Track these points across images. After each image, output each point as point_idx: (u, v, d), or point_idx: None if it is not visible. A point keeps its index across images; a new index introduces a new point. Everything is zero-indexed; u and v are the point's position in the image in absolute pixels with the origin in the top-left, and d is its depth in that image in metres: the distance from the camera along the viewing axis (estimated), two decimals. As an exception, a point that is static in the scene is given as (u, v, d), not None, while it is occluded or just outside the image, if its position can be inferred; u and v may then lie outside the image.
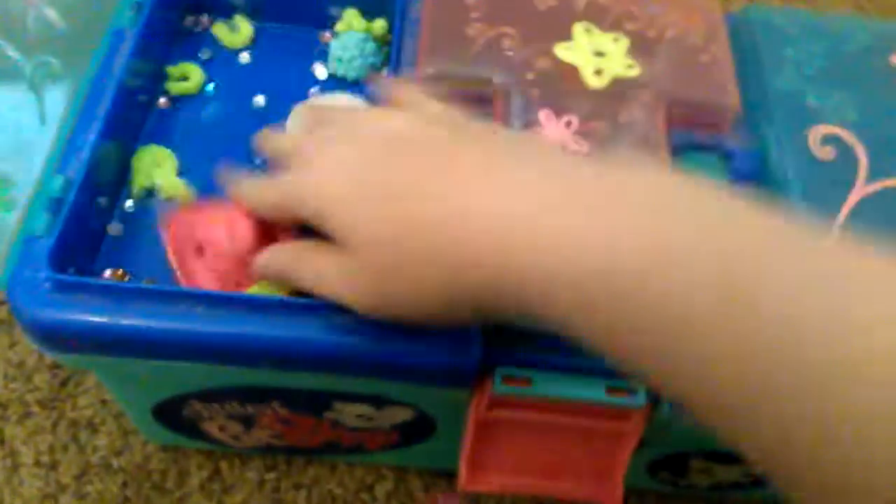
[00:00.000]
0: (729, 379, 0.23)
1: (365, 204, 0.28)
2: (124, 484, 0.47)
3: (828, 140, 0.38)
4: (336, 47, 0.43)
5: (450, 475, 0.48)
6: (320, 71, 0.44)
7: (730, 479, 0.46)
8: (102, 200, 0.37)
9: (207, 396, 0.40)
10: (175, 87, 0.42)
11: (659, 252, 0.23)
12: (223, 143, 0.41)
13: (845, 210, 0.37)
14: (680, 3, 0.42)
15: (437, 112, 0.33)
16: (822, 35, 0.42)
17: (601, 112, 0.38)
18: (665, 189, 0.26)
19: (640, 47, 0.41)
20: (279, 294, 0.35)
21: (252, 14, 0.45)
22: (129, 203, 0.39)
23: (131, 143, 0.40)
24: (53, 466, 0.47)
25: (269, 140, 0.37)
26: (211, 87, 0.43)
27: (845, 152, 0.38)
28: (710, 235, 0.24)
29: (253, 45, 0.45)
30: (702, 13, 0.42)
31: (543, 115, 0.38)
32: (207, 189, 0.39)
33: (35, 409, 0.48)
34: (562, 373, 0.35)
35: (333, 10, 0.44)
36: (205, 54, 0.44)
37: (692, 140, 0.40)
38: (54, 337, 0.33)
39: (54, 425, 0.48)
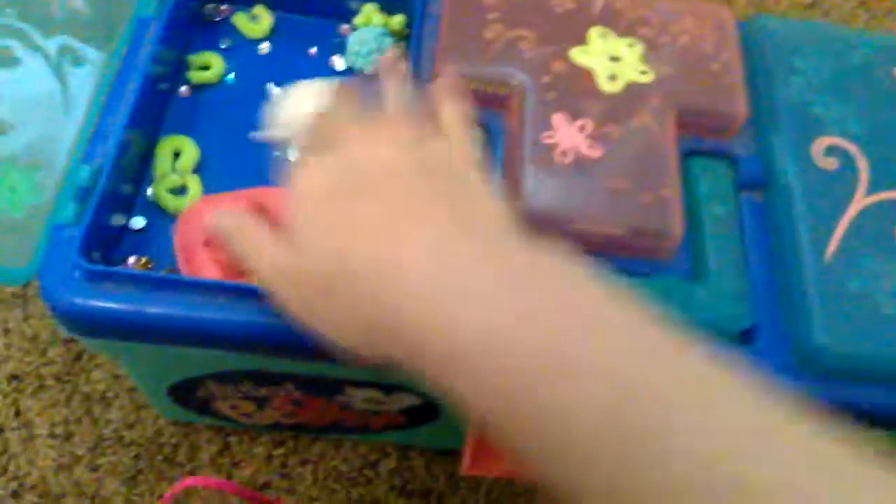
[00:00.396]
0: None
1: (327, 214, 0.30)
2: (136, 456, 0.48)
3: (831, 151, 0.40)
4: (354, 41, 0.44)
5: (452, 454, 0.50)
6: (338, 63, 0.44)
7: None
8: (127, 189, 0.38)
9: (224, 378, 0.41)
10: (196, 76, 0.43)
11: (554, 361, 0.25)
12: (243, 132, 0.42)
13: (845, 220, 0.38)
14: (693, 11, 0.43)
15: (422, 143, 0.33)
16: (829, 47, 0.43)
17: (614, 116, 0.39)
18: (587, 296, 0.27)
19: (653, 53, 0.41)
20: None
21: (272, 4, 0.46)
22: (150, 191, 0.39)
23: (154, 132, 0.41)
24: (68, 438, 0.48)
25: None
26: (231, 76, 0.43)
27: (848, 163, 0.40)
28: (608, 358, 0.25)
29: (272, 36, 0.45)
30: (714, 21, 0.43)
31: (557, 118, 0.39)
32: (226, 177, 0.40)
33: (50, 382, 0.50)
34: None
35: (353, 4, 0.45)
36: (225, 43, 0.45)
37: (700, 146, 0.41)
38: (85, 324, 0.34)
39: (68, 398, 0.49)
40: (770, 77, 0.42)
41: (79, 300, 0.33)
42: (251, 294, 0.34)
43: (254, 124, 0.42)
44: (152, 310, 0.33)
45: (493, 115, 0.40)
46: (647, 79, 0.41)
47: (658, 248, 0.38)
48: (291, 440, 0.50)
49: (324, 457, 0.50)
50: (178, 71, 0.43)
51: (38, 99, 0.40)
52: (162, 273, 0.36)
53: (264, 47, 0.45)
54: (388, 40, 0.44)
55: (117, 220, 0.38)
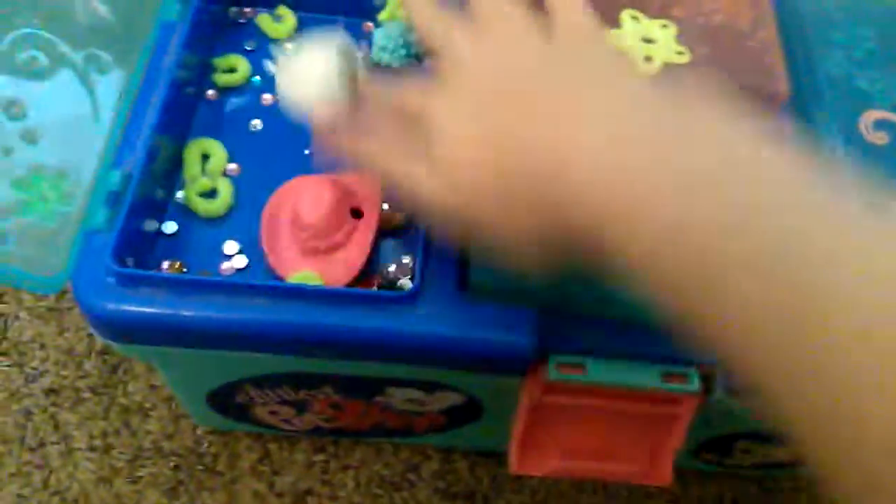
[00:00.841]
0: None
1: (486, 120, 0.29)
2: (176, 467, 0.48)
3: (880, 125, 0.38)
4: (379, 36, 0.43)
5: (494, 455, 0.49)
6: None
7: (772, 459, 0.47)
8: (158, 193, 0.38)
9: (262, 383, 0.41)
10: (222, 79, 0.42)
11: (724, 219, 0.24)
12: (271, 134, 0.41)
13: (896, 195, 0.36)
14: (727, -12, 0.42)
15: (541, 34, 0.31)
16: (870, 18, 0.42)
17: (651, 99, 0.38)
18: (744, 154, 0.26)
19: (689, 33, 0.40)
20: (320, 281, 0.36)
21: (295, 5, 0.45)
22: (180, 194, 0.39)
23: (183, 136, 0.40)
24: (107, 451, 0.48)
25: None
26: (257, 78, 0.43)
27: (897, 137, 0.38)
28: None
29: (296, 36, 0.45)
30: (749, -2, 0.42)
31: (593, 103, 0.38)
32: (255, 179, 0.40)
33: (87, 395, 0.49)
34: (616, 359, 0.35)
35: (376, 0, 0.44)
36: (250, 45, 0.44)
37: (741, 126, 0.40)
38: (120, 329, 0.34)
39: (106, 411, 0.49)
40: (810, 52, 0.41)
41: (112, 305, 0.33)
42: (289, 293, 0.34)
43: (281, 125, 0.41)
44: (187, 312, 0.33)
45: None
46: (683, 59, 0.39)
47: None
48: (332, 446, 0.49)
49: (365, 462, 0.49)
50: (203, 74, 0.43)
51: (65, 108, 0.40)
52: (202, 276, 0.36)
53: (289, 47, 0.44)
54: (414, 35, 0.43)
55: (149, 225, 0.37)
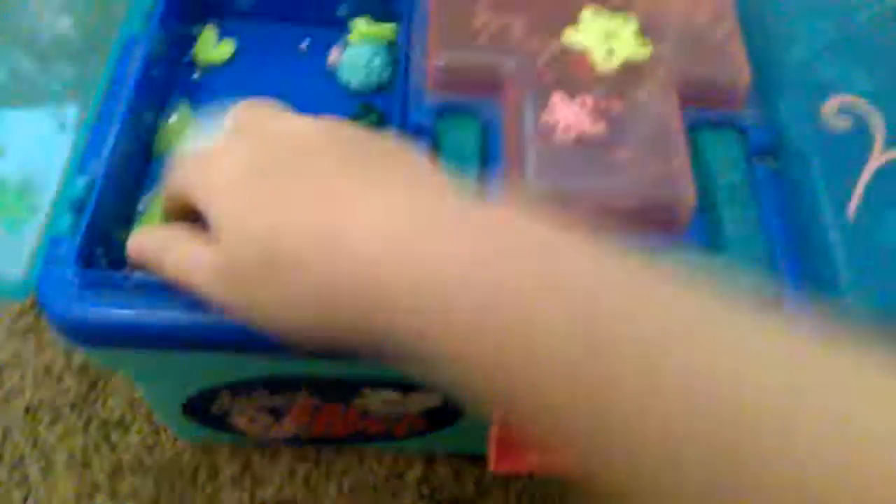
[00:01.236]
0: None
1: (248, 197, 0.27)
2: (157, 481, 0.47)
3: (843, 111, 0.38)
4: (348, 58, 0.44)
5: (479, 459, 0.49)
6: (334, 53, 0.45)
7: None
8: (125, 199, 0.38)
9: (237, 389, 0.40)
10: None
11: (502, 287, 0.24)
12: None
13: (865, 176, 0.37)
14: (687, -19, 0.42)
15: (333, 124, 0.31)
16: (830, 7, 0.42)
17: (614, 92, 0.38)
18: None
19: (650, 28, 0.41)
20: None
21: (262, 14, 0.46)
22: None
23: (148, 148, 0.41)
24: (87, 466, 0.48)
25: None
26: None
27: (861, 122, 0.38)
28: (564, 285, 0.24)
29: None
30: (709, -10, 0.42)
31: (557, 97, 0.38)
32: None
33: (66, 411, 0.49)
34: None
35: (341, 10, 0.45)
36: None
37: (706, 118, 0.40)
38: (85, 333, 0.34)
39: (85, 426, 0.49)
40: (771, 42, 0.41)
41: (77, 308, 0.33)
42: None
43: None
44: (152, 313, 0.33)
45: (490, 104, 0.40)
46: (644, 53, 0.40)
47: (672, 220, 0.37)
48: (314, 454, 0.49)
49: (348, 469, 0.49)
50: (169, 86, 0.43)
51: (29, 122, 0.40)
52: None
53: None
54: (379, 59, 0.44)
55: (119, 233, 0.37)
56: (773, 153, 0.39)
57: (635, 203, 0.36)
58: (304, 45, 0.45)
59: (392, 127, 0.39)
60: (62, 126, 0.41)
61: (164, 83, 0.43)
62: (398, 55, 0.43)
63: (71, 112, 0.41)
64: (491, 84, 0.40)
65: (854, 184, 0.36)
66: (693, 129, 0.40)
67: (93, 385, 0.50)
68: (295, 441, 0.48)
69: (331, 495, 0.48)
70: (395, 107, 0.39)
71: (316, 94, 0.44)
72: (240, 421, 0.44)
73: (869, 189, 0.36)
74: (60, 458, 0.48)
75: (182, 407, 0.43)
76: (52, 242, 0.34)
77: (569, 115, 0.37)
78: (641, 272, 0.24)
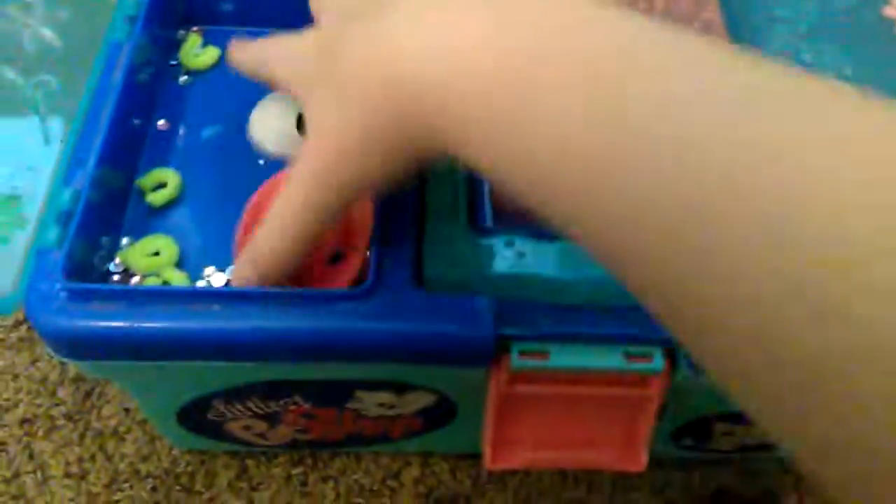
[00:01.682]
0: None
1: (331, 30, 0.30)
2: (153, 489, 0.47)
3: (825, 95, 0.38)
4: None
5: (475, 457, 0.49)
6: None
7: (754, 440, 0.47)
8: (110, 210, 0.38)
9: (229, 396, 0.40)
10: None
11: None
12: (222, 160, 0.41)
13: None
14: (668, -28, 0.42)
15: None
16: (811, -8, 0.42)
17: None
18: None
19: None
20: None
21: (242, 21, 0.45)
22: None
23: (134, 154, 0.40)
24: (83, 476, 0.47)
25: None
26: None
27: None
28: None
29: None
30: (690, -21, 0.42)
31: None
32: (211, 202, 0.40)
33: (61, 422, 0.49)
34: (579, 343, 0.35)
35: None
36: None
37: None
38: (74, 345, 0.33)
39: (81, 436, 0.49)
40: (754, 29, 0.41)
41: (64, 321, 0.32)
42: (243, 298, 0.34)
43: (232, 147, 0.41)
44: (140, 324, 0.33)
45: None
46: (627, 44, 0.40)
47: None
48: (310, 458, 0.49)
49: (345, 471, 0.49)
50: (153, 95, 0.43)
51: (16, 134, 0.40)
52: (153, 285, 0.36)
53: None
54: None
55: (107, 241, 0.37)
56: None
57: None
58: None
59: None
60: (48, 137, 0.41)
61: (150, 89, 0.43)
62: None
63: (56, 123, 0.41)
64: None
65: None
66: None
67: (88, 395, 0.50)
68: (292, 446, 0.48)
69: (328, 498, 0.48)
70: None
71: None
72: (235, 428, 0.44)
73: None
74: (56, 469, 0.48)
75: (176, 416, 0.43)
76: (38, 255, 0.34)
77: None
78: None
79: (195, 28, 0.46)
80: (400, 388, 0.40)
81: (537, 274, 0.36)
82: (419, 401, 0.42)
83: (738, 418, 0.44)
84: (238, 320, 0.33)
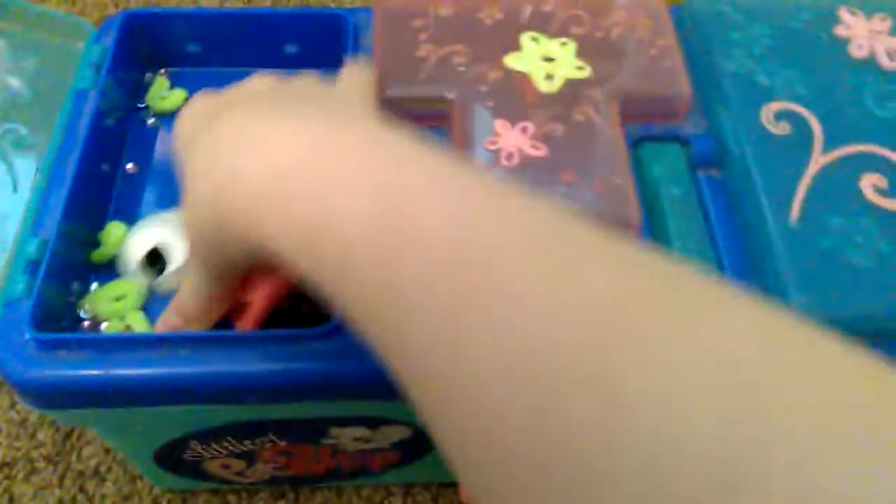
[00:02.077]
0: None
1: (194, 138, 0.31)
2: (136, 530, 0.47)
3: (781, 116, 0.39)
4: None
5: (456, 485, 0.49)
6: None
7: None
8: (79, 257, 0.38)
9: (205, 437, 0.41)
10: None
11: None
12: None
13: (805, 180, 0.37)
14: (624, 3, 0.43)
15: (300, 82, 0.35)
16: (765, 15, 0.43)
17: (555, 114, 0.39)
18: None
19: (589, 49, 0.41)
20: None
21: (214, 60, 0.46)
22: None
23: (103, 200, 0.41)
24: (64, 520, 0.48)
25: None
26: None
27: (800, 126, 0.39)
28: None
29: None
30: (646, 9, 0.43)
31: (499, 124, 0.38)
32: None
33: (41, 464, 0.49)
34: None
35: (289, 48, 0.45)
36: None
37: (649, 132, 0.41)
38: (44, 396, 0.34)
39: (61, 478, 0.49)
40: (710, 54, 0.42)
41: (34, 371, 0.33)
42: (210, 342, 0.34)
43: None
44: (109, 371, 0.33)
45: (438, 133, 0.40)
46: (584, 74, 0.40)
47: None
48: (291, 493, 0.49)
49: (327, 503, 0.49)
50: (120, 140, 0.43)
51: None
52: (120, 333, 0.36)
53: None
54: None
55: (76, 287, 0.38)
56: (716, 163, 0.40)
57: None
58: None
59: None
60: (15, 186, 0.41)
61: (118, 133, 0.43)
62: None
63: (25, 171, 0.41)
64: (437, 115, 0.40)
65: (795, 189, 0.37)
66: (636, 145, 0.40)
67: (68, 436, 0.50)
68: (272, 482, 0.48)
69: (312, 531, 0.48)
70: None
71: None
72: (213, 466, 0.44)
73: (810, 194, 0.37)
74: (38, 514, 0.48)
75: (154, 457, 0.43)
76: (7, 306, 0.34)
77: (511, 141, 0.38)
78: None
79: (162, 70, 0.46)
80: (374, 422, 0.41)
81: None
82: (395, 434, 0.42)
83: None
84: (206, 364, 0.34)
